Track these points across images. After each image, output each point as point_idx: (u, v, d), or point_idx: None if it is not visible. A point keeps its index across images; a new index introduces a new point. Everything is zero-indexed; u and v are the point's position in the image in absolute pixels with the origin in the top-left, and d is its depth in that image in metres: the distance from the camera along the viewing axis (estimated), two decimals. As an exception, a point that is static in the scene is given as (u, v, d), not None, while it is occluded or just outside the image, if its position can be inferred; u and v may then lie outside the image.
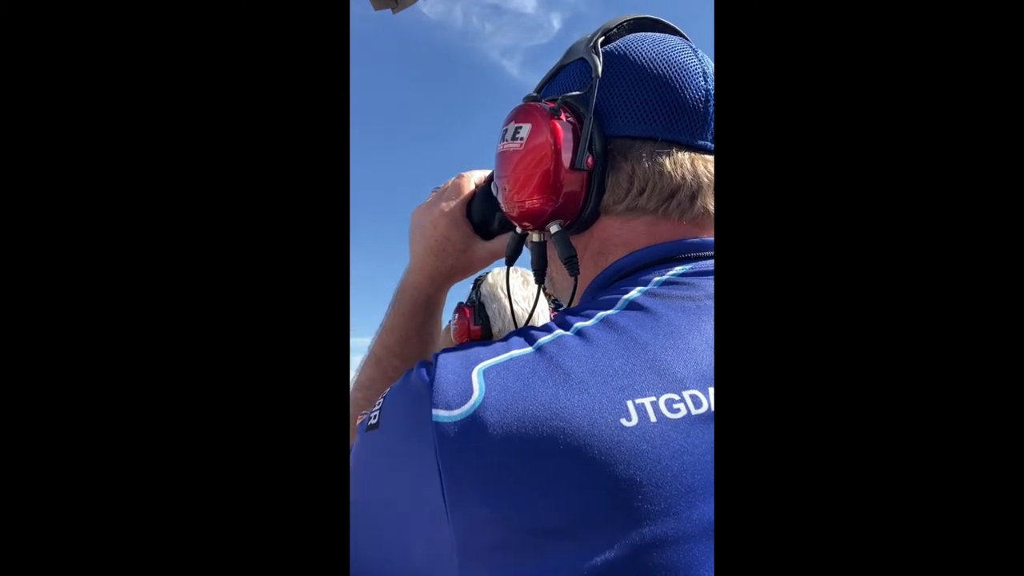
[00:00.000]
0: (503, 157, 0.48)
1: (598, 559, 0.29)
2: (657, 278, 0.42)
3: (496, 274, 1.13)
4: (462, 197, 0.64)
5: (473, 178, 0.65)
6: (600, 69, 0.45)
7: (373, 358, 0.66)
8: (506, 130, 0.48)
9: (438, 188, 0.68)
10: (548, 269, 0.52)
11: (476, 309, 1.07)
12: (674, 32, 0.51)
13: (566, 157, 0.43)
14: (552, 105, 0.45)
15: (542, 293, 1.19)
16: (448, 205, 0.64)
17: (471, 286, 1.18)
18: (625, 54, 0.46)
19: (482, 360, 0.35)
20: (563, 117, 0.44)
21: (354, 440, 0.41)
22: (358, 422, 0.41)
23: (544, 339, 0.36)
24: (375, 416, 0.38)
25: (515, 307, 1.07)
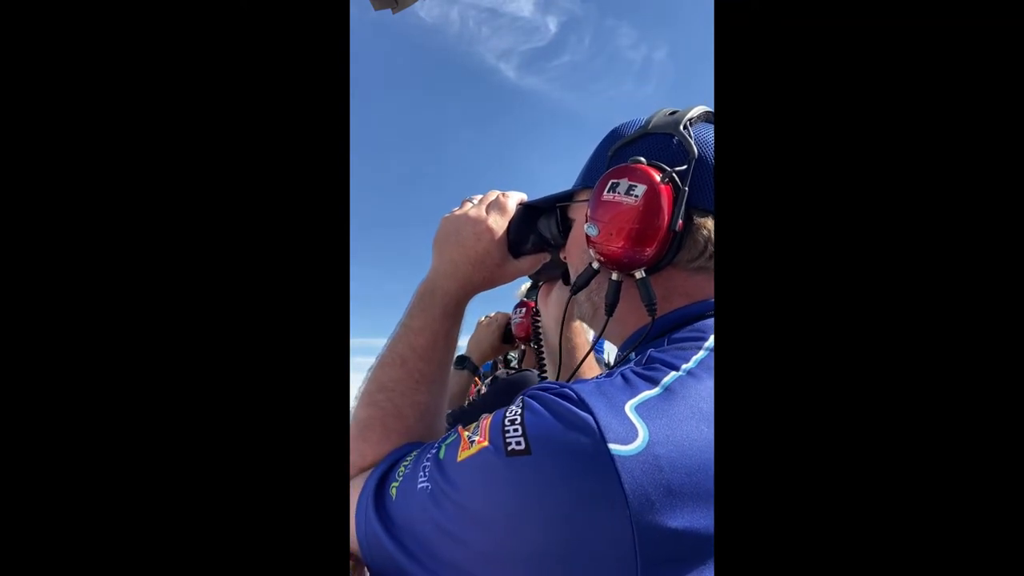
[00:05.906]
0: (612, 206, 0.55)
1: None
2: None
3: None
4: (508, 216, 0.70)
5: (514, 199, 0.71)
6: (696, 152, 0.55)
7: (398, 359, 0.67)
8: (617, 183, 0.56)
9: (471, 198, 0.73)
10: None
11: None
12: None
13: (664, 219, 0.53)
14: (661, 174, 0.54)
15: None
16: (496, 222, 0.69)
17: (528, 285, 1.25)
18: (706, 141, 0.57)
19: (625, 399, 0.42)
20: (668, 185, 0.54)
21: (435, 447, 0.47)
22: (483, 446, 0.44)
23: (666, 379, 0.45)
24: (518, 442, 0.42)
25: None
